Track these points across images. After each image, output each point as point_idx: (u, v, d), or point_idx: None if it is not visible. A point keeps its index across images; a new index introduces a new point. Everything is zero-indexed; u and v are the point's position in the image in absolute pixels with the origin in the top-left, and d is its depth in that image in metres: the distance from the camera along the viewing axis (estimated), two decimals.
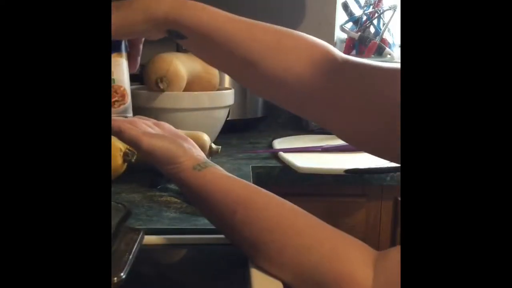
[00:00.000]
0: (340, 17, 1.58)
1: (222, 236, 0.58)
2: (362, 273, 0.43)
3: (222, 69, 0.59)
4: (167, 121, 0.62)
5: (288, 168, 0.99)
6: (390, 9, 1.56)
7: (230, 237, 0.53)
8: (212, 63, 0.59)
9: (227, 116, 1.11)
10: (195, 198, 0.53)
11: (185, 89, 1.01)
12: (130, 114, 0.63)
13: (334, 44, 1.53)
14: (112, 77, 0.60)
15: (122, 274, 0.40)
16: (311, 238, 0.47)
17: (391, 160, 0.57)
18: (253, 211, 0.50)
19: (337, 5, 1.55)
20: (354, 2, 1.59)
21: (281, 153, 1.06)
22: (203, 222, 0.62)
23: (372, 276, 0.43)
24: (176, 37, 0.53)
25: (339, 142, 1.18)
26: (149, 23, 0.52)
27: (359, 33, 1.58)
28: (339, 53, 0.57)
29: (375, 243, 1.03)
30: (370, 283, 0.43)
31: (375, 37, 1.57)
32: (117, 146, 0.73)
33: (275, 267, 0.48)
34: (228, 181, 0.53)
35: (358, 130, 0.55)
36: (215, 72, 1.08)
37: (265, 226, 0.49)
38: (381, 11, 1.58)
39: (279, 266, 0.48)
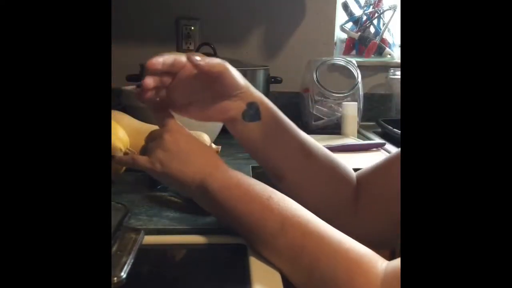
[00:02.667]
0: (340, 17, 1.58)
1: (222, 236, 0.58)
2: (373, 268, 0.45)
3: None
4: None
5: None
6: (390, 9, 1.56)
7: (258, 210, 0.52)
8: None
9: None
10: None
11: None
12: None
13: (334, 44, 1.54)
14: None
15: (122, 274, 0.40)
16: (331, 229, 0.50)
17: None
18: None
19: (337, 5, 1.55)
20: (354, 2, 1.59)
21: None
22: (203, 222, 0.62)
23: (380, 270, 0.45)
24: None
25: (339, 142, 1.18)
26: None
27: (359, 33, 1.58)
28: None
29: None
30: (379, 275, 0.44)
31: (375, 37, 1.58)
32: (117, 146, 0.73)
33: (292, 253, 0.49)
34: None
35: None
36: None
37: (296, 207, 0.52)
38: (381, 11, 1.58)
39: (298, 250, 0.48)
